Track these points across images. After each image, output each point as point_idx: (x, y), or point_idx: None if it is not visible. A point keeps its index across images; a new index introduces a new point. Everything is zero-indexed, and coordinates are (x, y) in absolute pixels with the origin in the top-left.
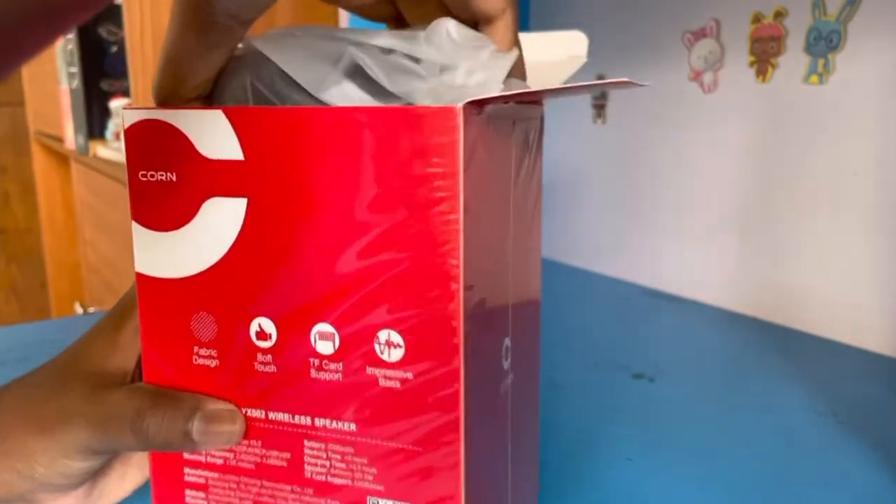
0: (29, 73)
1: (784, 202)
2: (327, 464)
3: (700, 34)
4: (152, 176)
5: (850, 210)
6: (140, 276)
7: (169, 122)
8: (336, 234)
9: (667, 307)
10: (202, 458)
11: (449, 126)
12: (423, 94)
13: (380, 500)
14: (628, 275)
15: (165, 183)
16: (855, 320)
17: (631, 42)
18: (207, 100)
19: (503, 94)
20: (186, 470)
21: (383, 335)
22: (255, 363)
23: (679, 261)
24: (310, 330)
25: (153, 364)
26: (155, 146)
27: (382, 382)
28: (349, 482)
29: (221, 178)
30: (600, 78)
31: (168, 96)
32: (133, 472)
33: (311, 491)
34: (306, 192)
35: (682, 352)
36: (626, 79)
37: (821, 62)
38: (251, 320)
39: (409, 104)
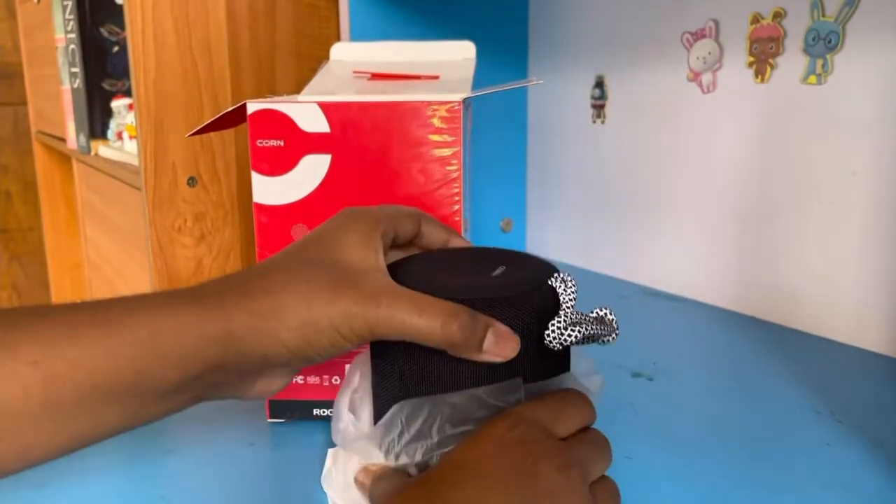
0: (30, 72)
1: (783, 202)
2: None
3: (699, 35)
4: (267, 142)
5: (848, 210)
6: (257, 204)
7: (278, 109)
8: (384, 173)
9: (666, 307)
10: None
11: (455, 111)
12: None
13: None
14: (627, 274)
15: (276, 146)
16: (853, 320)
17: (630, 42)
18: None
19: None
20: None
21: None
22: None
23: (678, 260)
24: None
25: (266, 258)
26: (269, 124)
27: None
28: None
29: (314, 143)
30: (599, 78)
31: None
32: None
33: None
34: (367, 150)
35: (680, 351)
36: (535, 80)
37: (819, 63)
38: None
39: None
